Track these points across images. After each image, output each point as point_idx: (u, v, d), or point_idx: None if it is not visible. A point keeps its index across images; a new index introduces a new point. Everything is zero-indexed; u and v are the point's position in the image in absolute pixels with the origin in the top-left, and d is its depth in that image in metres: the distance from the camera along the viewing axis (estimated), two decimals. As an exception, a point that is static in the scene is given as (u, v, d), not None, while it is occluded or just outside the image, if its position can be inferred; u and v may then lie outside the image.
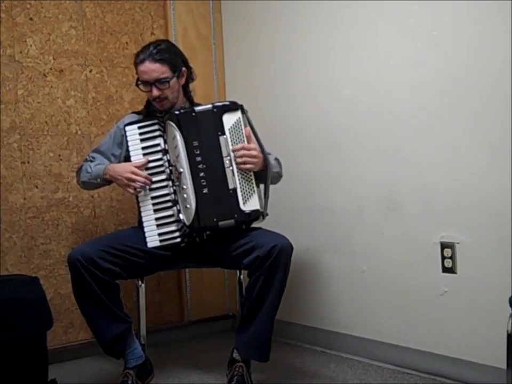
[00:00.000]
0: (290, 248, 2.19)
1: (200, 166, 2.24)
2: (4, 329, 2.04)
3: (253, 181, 2.25)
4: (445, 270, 2.29)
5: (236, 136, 2.24)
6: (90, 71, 2.87)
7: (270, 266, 2.13)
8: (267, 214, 2.29)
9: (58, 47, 2.78)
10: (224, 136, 2.23)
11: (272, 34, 2.95)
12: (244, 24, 3.10)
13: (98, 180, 2.42)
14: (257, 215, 2.24)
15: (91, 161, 2.48)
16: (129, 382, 2.24)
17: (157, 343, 2.82)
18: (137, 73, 2.38)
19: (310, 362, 2.61)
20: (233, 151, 2.23)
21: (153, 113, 2.43)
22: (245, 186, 2.23)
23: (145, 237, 2.28)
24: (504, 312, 1.77)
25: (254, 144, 2.26)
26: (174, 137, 2.26)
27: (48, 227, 2.75)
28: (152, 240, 2.28)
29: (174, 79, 2.37)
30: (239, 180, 2.23)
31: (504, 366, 1.80)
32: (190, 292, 3.10)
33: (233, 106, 2.26)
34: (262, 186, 2.31)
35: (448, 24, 2.23)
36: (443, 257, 2.30)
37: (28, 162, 2.71)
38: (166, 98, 2.37)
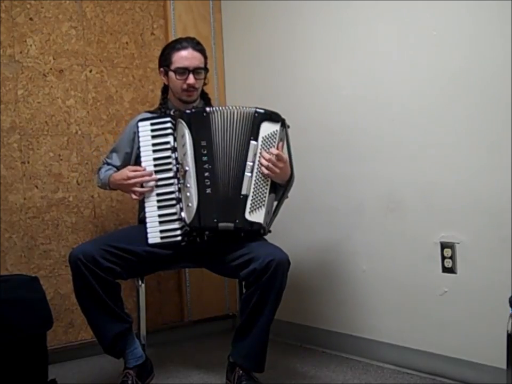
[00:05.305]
0: (287, 263, 2.16)
1: (206, 165, 2.24)
2: (4, 329, 2.04)
3: (266, 196, 2.23)
4: (445, 270, 2.29)
5: (267, 147, 2.23)
6: (90, 71, 2.87)
7: (267, 281, 2.11)
8: (269, 231, 2.28)
9: (58, 47, 2.78)
10: (255, 143, 2.22)
11: (272, 34, 2.95)
12: (244, 24, 3.10)
13: (107, 188, 2.51)
14: (258, 228, 2.22)
15: (107, 163, 2.55)
16: (129, 382, 2.23)
17: (157, 343, 2.83)
18: (170, 60, 2.40)
19: (310, 362, 2.61)
20: (263, 157, 2.19)
21: (167, 111, 2.44)
22: (257, 197, 2.22)
23: (146, 233, 2.27)
24: (504, 312, 1.77)
25: (285, 156, 2.25)
26: (183, 136, 2.26)
27: (48, 227, 2.75)
28: (153, 237, 2.26)
29: (204, 73, 2.47)
30: (253, 189, 2.22)
31: (504, 366, 1.80)
32: (190, 292, 3.10)
33: (275, 117, 2.26)
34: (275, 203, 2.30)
35: (448, 24, 2.23)
36: (443, 257, 2.30)
37: (28, 162, 2.71)
38: (197, 89, 2.44)
